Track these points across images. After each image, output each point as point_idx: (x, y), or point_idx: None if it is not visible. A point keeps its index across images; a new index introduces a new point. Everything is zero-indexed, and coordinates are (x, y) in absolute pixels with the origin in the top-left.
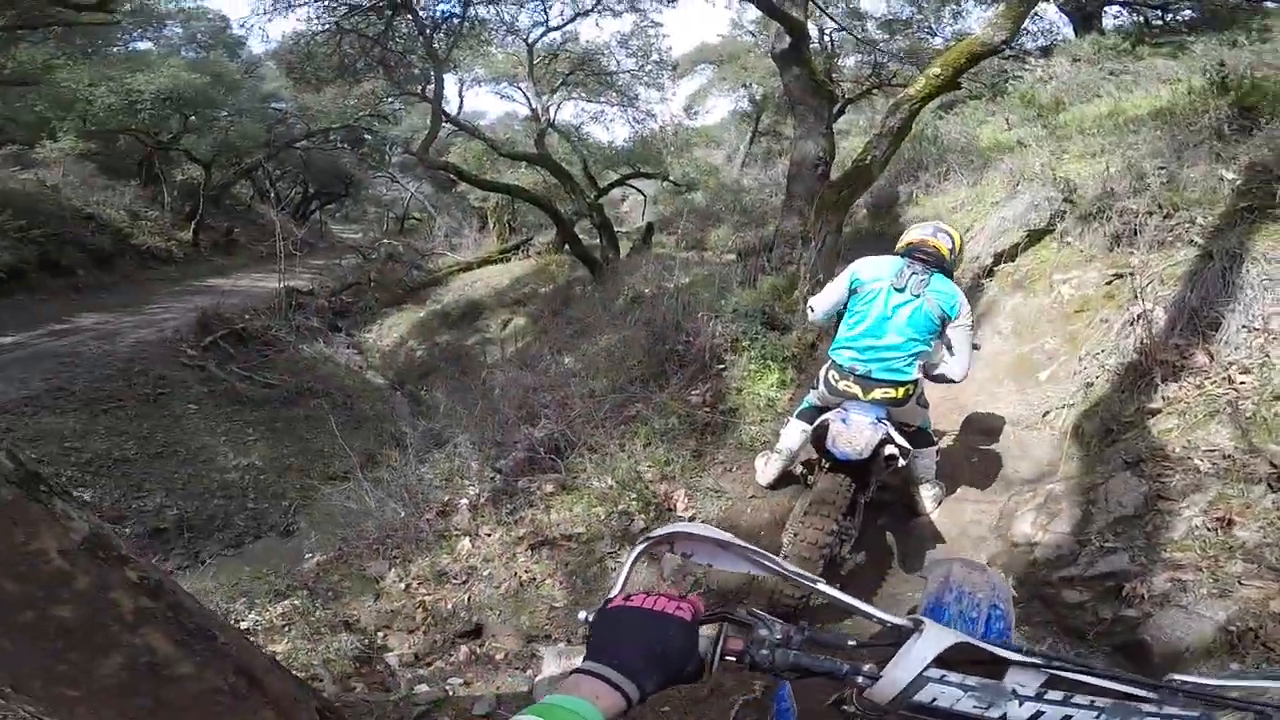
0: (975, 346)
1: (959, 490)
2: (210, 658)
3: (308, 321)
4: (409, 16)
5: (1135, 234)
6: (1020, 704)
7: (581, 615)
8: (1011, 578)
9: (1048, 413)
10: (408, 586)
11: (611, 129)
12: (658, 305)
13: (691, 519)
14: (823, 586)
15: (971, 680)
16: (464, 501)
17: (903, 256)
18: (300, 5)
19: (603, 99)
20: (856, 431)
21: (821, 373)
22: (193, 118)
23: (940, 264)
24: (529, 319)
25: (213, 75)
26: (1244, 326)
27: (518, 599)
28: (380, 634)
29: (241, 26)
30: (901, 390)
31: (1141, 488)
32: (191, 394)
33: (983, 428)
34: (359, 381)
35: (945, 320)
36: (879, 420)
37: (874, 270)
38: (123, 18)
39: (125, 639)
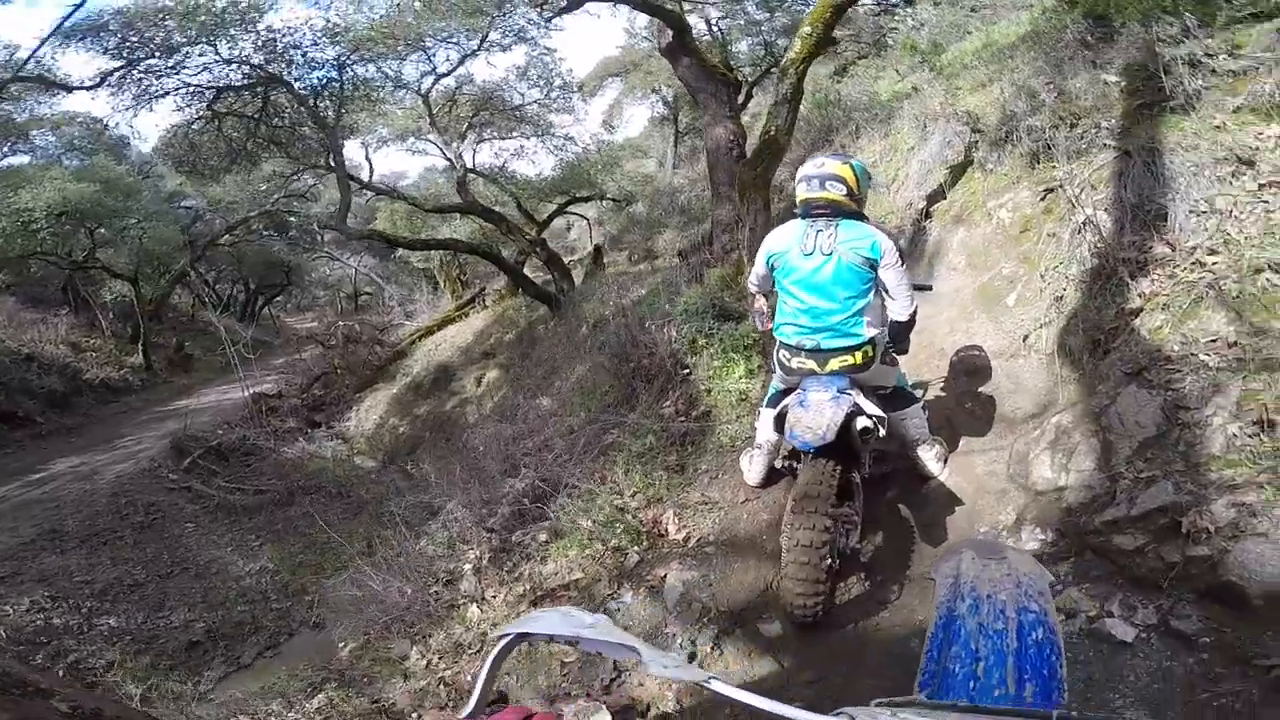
0: (927, 287)
1: (962, 442)
2: None
3: (284, 424)
4: (284, 90)
5: (1049, 148)
6: None
7: None
8: (1050, 532)
9: (1027, 336)
10: (429, 663)
11: (536, 161)
12: (616, 327)
13: (685, 540)
14: (716, 685)
15: None
16: (468, 567)
17: (802, 218)
18: (162, 96)
19: (516, 134)
20: (815, 413)
21: (774, 356)
22: (100, 230)
23: (841, 211)
24: (500, 369)
25: (103, 182)
26: (1191, 212)
27: (531, 659)
28: (414, 715)
29: (114, 127)
30: (859, 354)
31: (1155, 400)
32: (185, 514)
33: (967, 368)
34: (349, 469)
35: (872, 265)
36: (841, 393)
37: (782, 241)
38: None
39: None
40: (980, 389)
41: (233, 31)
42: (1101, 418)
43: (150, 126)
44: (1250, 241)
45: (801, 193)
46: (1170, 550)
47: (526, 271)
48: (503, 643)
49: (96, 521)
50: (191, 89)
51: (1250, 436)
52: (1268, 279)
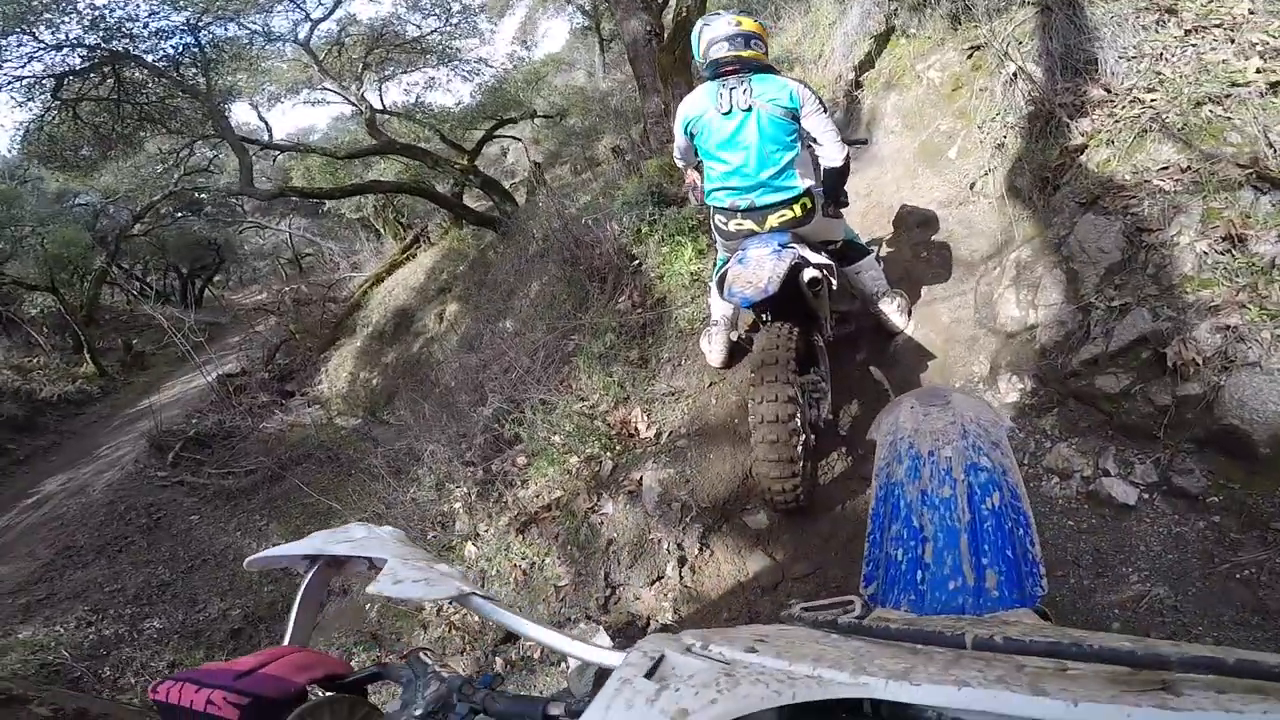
0: (862, 141)
1: (923, 292)
2: None
3: (255, 400)
4: (135, 65)
5: (969, 9)
6: None
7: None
8: (1028, 379)
9: (973, 184)
10: (439, 609)
11: (452, 90)
12: (560, 235)
13: (658, 437)
14: (522, 624)
15: None
16: (458, 505)
17: (713, 79)
18: None
19: (421, 67)
20: (755, 267)
21: (711, 224)
22: None
23: (749, 65)
24: (459, 302)
25: None
26: (1121, 58)
27: (528, 588)
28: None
29: None
30: (798, 206)
31: (1114, 225)
32: (185, 507)
33: (918, 221)
34: (332, 432)
35: (794, 115)
36: (782, 246)
37: (696, 106)
38: None
39: None
40: (933, 238)
41: (47, 16)
42: (1061, 248)
43: None
44: (1186, 79)
45: (715, 54)
46: (1159, 391)
47: (466, 201)
48: (310, 573)
49: (104, 531)
50: (25, 81)
51: (1221, 254)
52: (1210, 111)
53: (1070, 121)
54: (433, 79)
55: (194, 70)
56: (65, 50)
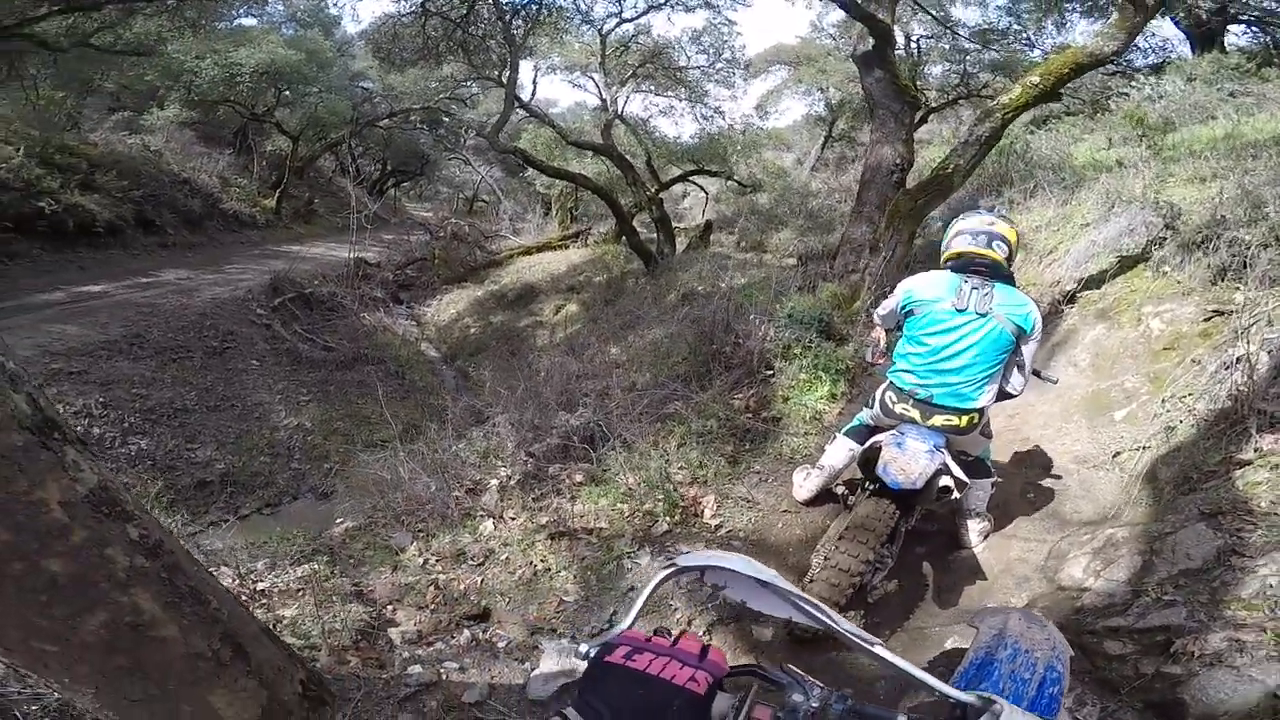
0: (1052, 380)
1: (1009, 525)
2: (197, 622)
3: (372, 291)
4: (490, 1)
5: (1244, 267)
6: None
7: (582, 649)
8: (1052, 620)
9: (1119, 453)
10: (425, 562)
11: (679, 124)
12: (709, 304)
13: (717, 528)
14: (880, 650)
15: None
16: (494, 482)
17: (955, 271)
18: None
19: (671, 93)
20: (911, 459)
21: (878, 393)
22: (286, 92)
23: (998, 273)
24: (581, 306)
25: (308, 52)
26: None
27: (530, 587)
28: (390, 607)
29: (335, 6)
30: (966, 419)
31: (1215, 541)
32: (255, 350)
33: (1044, 463)
34: (413, 353)
35: (1021, 336)
36: (936, 448)
37: (931, 289)
38: None
39: (113, 597)
40: (1048, 484)
41: None
42: (1156, 542)
43: (366, 11)
44: None
45: (960, 246)
46: (1148, 664)
47: (635, 224)
48: (668, 570)
49: (177, 337)
50: None
51: None
52: None
53: (1255, 434)
54: (671, 107)
55: (520, 24)
56: None
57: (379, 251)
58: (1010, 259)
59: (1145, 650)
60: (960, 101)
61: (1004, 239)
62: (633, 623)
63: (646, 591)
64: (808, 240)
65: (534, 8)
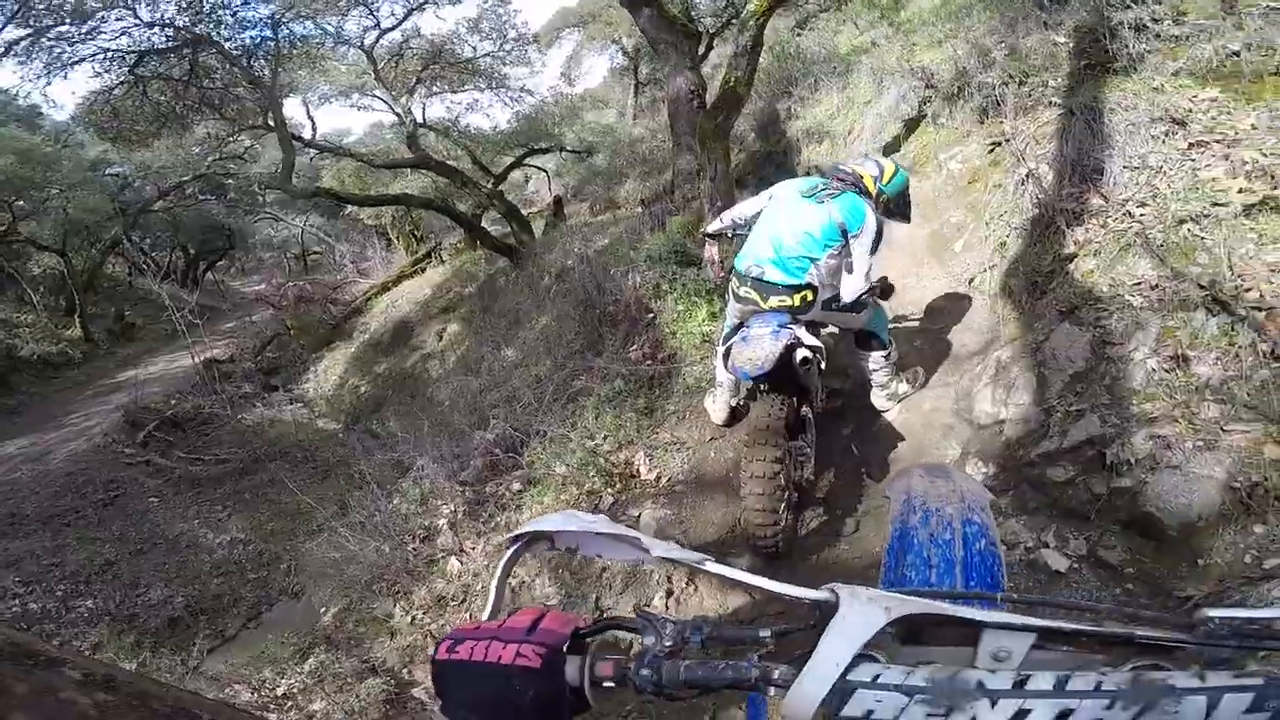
0: (887, 291)
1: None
2: None
3: (239, 390)
4: (213, 51)
5: (999, 104)
6: (994, 704)
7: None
8: (992, 465)
9: (972, 279)
10: (413, 619)
11: (491, 115)
12: (578, 274)
13: (657, 480)
14: (710, 565)
15: (919, 677)
16: (443, 522)
17: (821, 177)
18: (76, 64)
19: (469, 87)
20: (755, 345)
21: (729, 287)
22: (19, 203)
23: (857, 186)
24: (462, 323)
25: (17, 154)
26: (1125, 167)
27: (514, 605)
28: (405, 670)
29: (22, 97)
30: (799, 296)
31: (1084, 336)
32: (146, 489)
33: (917, 310)
34: (312, 433)
35: (846, 233)
36: (781, 326)
37: (790, 186)
38: None
39: None
40: (929, 328)
41: None
42: (1037, 353)
43: (65, 94)
44: (1176, 195)
45: (839, 166)
46: (1097, 482)
47: (484, 224)
48: (512, 549)
49: (56, 502)
50: (110, 54)
51: (1167, 371)
52: (1189, 229)
53: (1067, 229)
54: (476, 100)
55: (263, 63)
56: (156, 28)
57: (226, 345)
58: (878, 182)
59: (1086, 468)
60: (732, 23)
61: (878, 163)
62: (491, 613)
63: (497, 577)
64: (650, 184)
65: (271, 45)
